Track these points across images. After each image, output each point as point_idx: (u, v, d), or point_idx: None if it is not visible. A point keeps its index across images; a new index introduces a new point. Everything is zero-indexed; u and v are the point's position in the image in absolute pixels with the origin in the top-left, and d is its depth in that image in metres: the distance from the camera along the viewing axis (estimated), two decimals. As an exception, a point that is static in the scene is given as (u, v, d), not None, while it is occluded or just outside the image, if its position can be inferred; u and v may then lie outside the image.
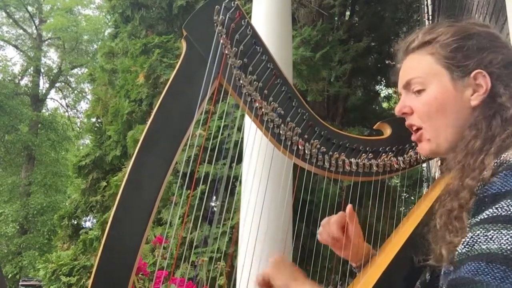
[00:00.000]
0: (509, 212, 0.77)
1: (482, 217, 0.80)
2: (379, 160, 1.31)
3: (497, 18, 2.75)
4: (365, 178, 1.30)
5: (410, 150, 1.32)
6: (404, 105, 1.07)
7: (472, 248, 0.78)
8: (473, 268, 0.76)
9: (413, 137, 1.08)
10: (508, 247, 0.74)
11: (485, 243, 0.77)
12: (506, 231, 0.75)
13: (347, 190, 1.49)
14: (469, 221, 0.84)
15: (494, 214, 0.79)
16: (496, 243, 0.75)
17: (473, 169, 0.89)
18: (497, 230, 0.76)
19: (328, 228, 1.26)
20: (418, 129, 1.06)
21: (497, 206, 0.79)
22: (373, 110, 7.74)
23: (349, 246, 1.27)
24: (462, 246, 0.81)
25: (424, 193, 1.32)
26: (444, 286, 0.88)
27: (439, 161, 1.26)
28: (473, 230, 0.80)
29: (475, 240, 0.79)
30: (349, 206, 1.27)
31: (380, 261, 1.22)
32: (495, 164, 0.86)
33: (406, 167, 1.33)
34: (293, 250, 2.53)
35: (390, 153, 1.32)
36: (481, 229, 0.79)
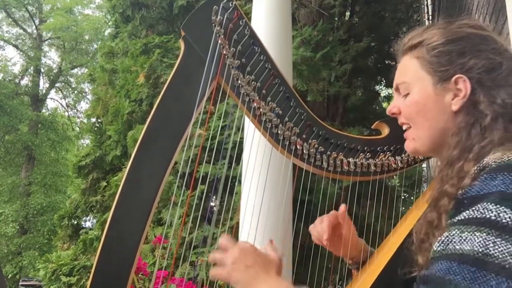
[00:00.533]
0: (484, 215, 0.78)
1: (459, 218, 0.82)
2: (377, 160, 1.31)
3: (497, 18, 2.75)
4: (363, 177, 1.31)
5: (408, 150, 1.32)
6: (393, 105, 1.10)
7: (446, 247, 0.80)
8: (445, 267, 0.77)
9: (404, 134, 1.11)
10: (480, 250, 0.75)
11: (458, 244, 0.78)
12: (479, 233, 0.76)
13: (346, 190, 1.50)
14: (448, 222, 0.86)
15: (470, 216, 0.80)
16: (469, 244, 0.76)
17: (451, 177, 0.90)
18: (471, 232, 0.77)
19: (318, 227, 1.27)
20: (409, 127, 1.08)
21: (473, 208, 0.80)
22: (373, 110, 7.73)
23: (340, 245, 1.28)
24: (438, 244, 0.82)
25: (422, 193, 1.32)
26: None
27: (439, 162, 1.27)
28: (449, 230, 0.82)
29: (450, 240, 0.80)
30: (342, 206, 1.28)
31: (378, 260, 1.23)
32: (477, 168, 0.87)
33: (404, 167, 1.33)
34: (293, 249, 2.53)
35: (388, 152, 1.32)
36: (456, 230, 0.80)
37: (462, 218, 0.81)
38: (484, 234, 0.76)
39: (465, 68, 0.98)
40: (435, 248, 0.83)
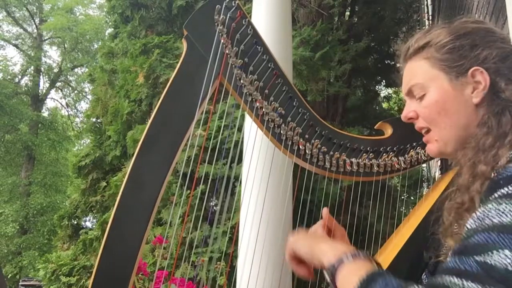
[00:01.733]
0: None
1: (495, 195, 0.79)
2: (380, 160, 1.31)
3: (497, 18, 2.75)
4: (366, 178, 1.30)
5: (411, 150, 1.32)
6: (409, 110, 1.08)
7: (483, 223, 0.76)
8: (482, 238, 0.73)
9: (424, 139, 1.08)
10: None
11: (496, 217, 0.75)
12: None
13: (347, 190, 1.49)
14: (481, 202, 0.83)
15: (508, 192, 0.77)
16: (509, 216, 0.73)
17: (486, 162, 0.88)
18: (510, 204, 0.75)
19: (319, 232, 1.26)
20: (428, 130, 1.06)
21: (511, 185, 0.78)
22: (373, 110, 7.73)
23: None
24: (472, 221, 0.79)
25: (425, 193, 1.32)
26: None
27: (439, 161, 1.26)
28: (484, 206, 0.79)
29: (486, 215, 0.77)
30: (324, 209, 1.26)
31: (382, 260, 1.22)
32: (511, 155, 0.85)
33: (407, 167, 1.33)
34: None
35: (391, 153, 1.32)
36: (493, 203, 0.77)
37: (498, 195, 0.78)
38: None
39: (480, 59, 0.98)
40: (468, 227, 0.79)
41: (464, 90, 0.99)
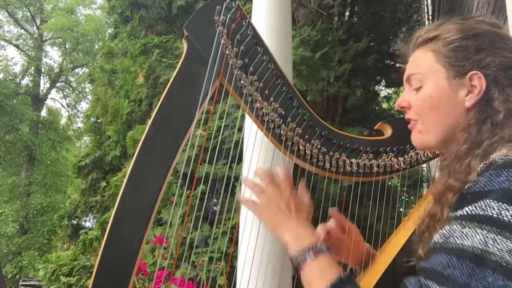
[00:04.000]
0: (486, 212, 0.79)
1: (462, 213, 0.83)
2: (379, 161, 1.31)
3: (497, 18, 2.76)
4: (366, 178, 1.31)
5: (411, 151, 1.32)
6: (403, 99, 1.09)
7: (447, 241, 0.81)
8: (444, 260, 0.79)
9: (409, 125, 1.09)
10: (479, 246, 0.77)
11: (459, 239, 0.80)
12: (480, 230, 0.78)
13: (347, 190, 1.49)
14: (449, 215, 0.87)
15: (472, 213, 0.81)
16: (469, 240, 0.78)
17: (458, 172, 0.90)
18: (472, 228, 0.79)
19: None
20: (415, 121, 1.07)
21: (476, 204, 0.81)
22: (372, 110, 7.74)
23: (348, 250, 1.26)
24: (439, 236, 0.84)
25: (425, 193, 1.32)
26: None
27: (439, 162, 1.26)
28: (451, 224, 0.83)
29: (451, 234, 0.81)
30: (330, 210, 1.27)
31: (380, 261, 1.22)
32: (484, 165, 0.87)
33: (406, 168, 1.33)
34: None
35: (390, 153, 1.32)
36: (458, 224, 0.81)
37: (464, 213, 0.82)
38: (485, 231, 0.77)
39: (481, 64, 0.98)
40: (435, 240, 0.85)
41: (459, 91, 0.99)
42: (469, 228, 0.79)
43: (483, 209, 0.79)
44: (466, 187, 0.87)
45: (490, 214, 0.78)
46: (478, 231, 0.78)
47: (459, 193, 0.88)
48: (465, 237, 0.79)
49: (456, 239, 0.80)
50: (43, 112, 23.09)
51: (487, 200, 0.80)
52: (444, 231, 0.83)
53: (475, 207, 0.81)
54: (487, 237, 0.77)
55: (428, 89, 1.02)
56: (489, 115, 0.94)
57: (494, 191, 0.80)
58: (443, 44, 1.02)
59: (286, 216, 1.07)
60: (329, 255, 0.98)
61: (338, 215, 1.27)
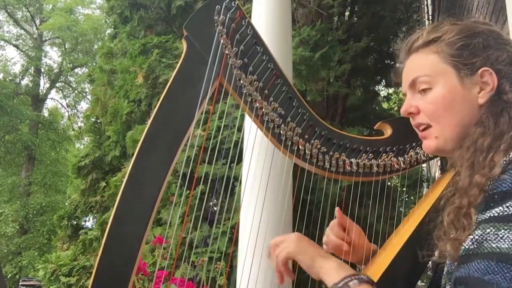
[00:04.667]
0: None
1: (492, 215, 0.80)
2: (379, 160, 1.31)
3: (497, 18, 2.76)
4: (366, 178, 1.30)
5: (411, 151, 1.32)
6: (410, 105, 1.06)
7: (481, 246, 0.78)
8: (482, 266, 0.75)
9: (420, 134, 1.07)
10: None
11: (495, 242, 0.76)
12: None
13: (347, 190, 1.49)
14: (476, 217, 0.84)
15: (505, 213, 0.78)
16: (507, 242, 0.75)
17: (483, 166, 0.89)
18: (508, 230, 0.76)
19: (332, 236, 1.26)
20: (427, 127, 1.05)
21: (507, 204, 0.79)
22: (372, 110, 7.73)
23: (354, 251, 1.26)
24: (470, 243, 0.80)
25: (425, 193, 1.32)
26: (449, 285, 0.88)
27: (439, 161, 1.26)
28: (482, 227, 0.80)
29: (484, 238, 0.78)
30: (336, 209, 1.27)
31: (380, 261, 1.22)
32: (505, 161, 0.86)
33: (406, 167, 1.33)
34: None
35: (390, 153, 1.32)
36: (491, 227, 0.78)
37: (496, 214, 0.79)
38: None
39: (490, 60, 0.98)
40: (467, 246, 0.81)
41: (472, 89, 0.99)
42: (504, 230, 0.76)
43: None
44: (492, 186, 0.85)
45: None
46: None
47: (484, 191, 0.86)
48: (501, 239, 0.76)
49: (491, 242, 0.77)
50: (44, 113, 23.10)
51: None
52: (476, 236, 0.80)
53: (507, 207, 0.78)
54: None
55: (439, 90, 1.01)
56: (505, 107, 0.94)
57: None
58: (447, 45, 1.01)
59: (323, 251, 1.04)
60: (370, 286, 0.94)
61: (341, 214, 1.27)
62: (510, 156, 0.86)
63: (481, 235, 0.79)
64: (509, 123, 0.92)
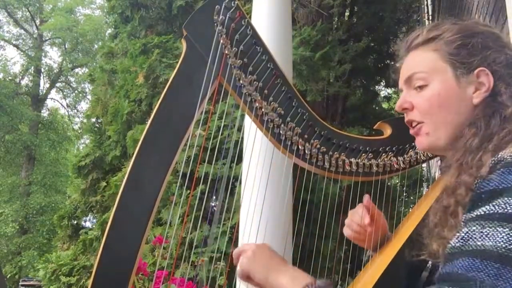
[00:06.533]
0: (506, 210, 0.77)
1: (478, 213, 0.81)
2: (379, 160, 1.31)
3: (497, 18, 2.76)
4: (365, 178, 1.31)
5: (410, 150, 1.32)
6: (405, 100, 1.07)
7: (467, 243, 0.79)
8: (467, 264, 0.76)
9: (412, 131, 1.08)
10: (503, 245, 0.74)
11: (480, 240, 0.77)
12: (501, 229, 0.76)
13: (347, 190, 1.49)
14: (464, 216, 0.85)
15: (491, 211, 0.79)
16: (492, 240, 0.76)
17: (471, 166, 0.89)
18: (493, 228, 0.77)
19: (356, 216, 1.26)
20: (419, 123, 1.05)
21: (493, 203, 0.79)
22: (372, 110, 7.73)
23: (373, 235, 1.26)
24: (456, 240, 0.81)
25: (424, 193, 1.32)
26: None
27: (439, 161, 1.26)
28: (468, 226, 0.81)
29: (470, 236, 0.79)
30: (365, 196, 1.26)
31: (380, 261, 1.22)
32: (493, 161, 0.86)
33: (406, 167, 1.33)
34: (293, 249, 2.53)
35: (390, 153, 1.32)
36: (476, 225, 0.79)
37: (482, 213, 0.80)
38: (507, 229, 0.75)
39: (488, 61, 0.98)
40: (453, 244, 0.82)
41: (467, 88, 0.99)
42: (490, 227, 0.77)
43: (502, 207, 0.78)
44: (477, 184, 0.85)
45: (511, 211, 0.76)
46: (499, 229, 0.76)
47: (471, 190, 0.86)
48: (486, 237, 0.76)
49: (476, 240, 0.77)
50: (44, 113, 23.10)
51: (505, 198, 0.78)
52: (462, 234, 0.80)
53: (493, 205, 0.79)
54: (510, 235, 0.75)
55: (435, 87, 1.01)
56: (497, 109, 0.94)
57: (510, 189, 0.79)
58: (446, 43, 1.02)
59: (275, 264, 1.02)
60: None
61: (370, 202, 1.27)
62: (498, 156, 0.86)
63: (466, 232, 0.80)
64: (500, 124, 0.92)
